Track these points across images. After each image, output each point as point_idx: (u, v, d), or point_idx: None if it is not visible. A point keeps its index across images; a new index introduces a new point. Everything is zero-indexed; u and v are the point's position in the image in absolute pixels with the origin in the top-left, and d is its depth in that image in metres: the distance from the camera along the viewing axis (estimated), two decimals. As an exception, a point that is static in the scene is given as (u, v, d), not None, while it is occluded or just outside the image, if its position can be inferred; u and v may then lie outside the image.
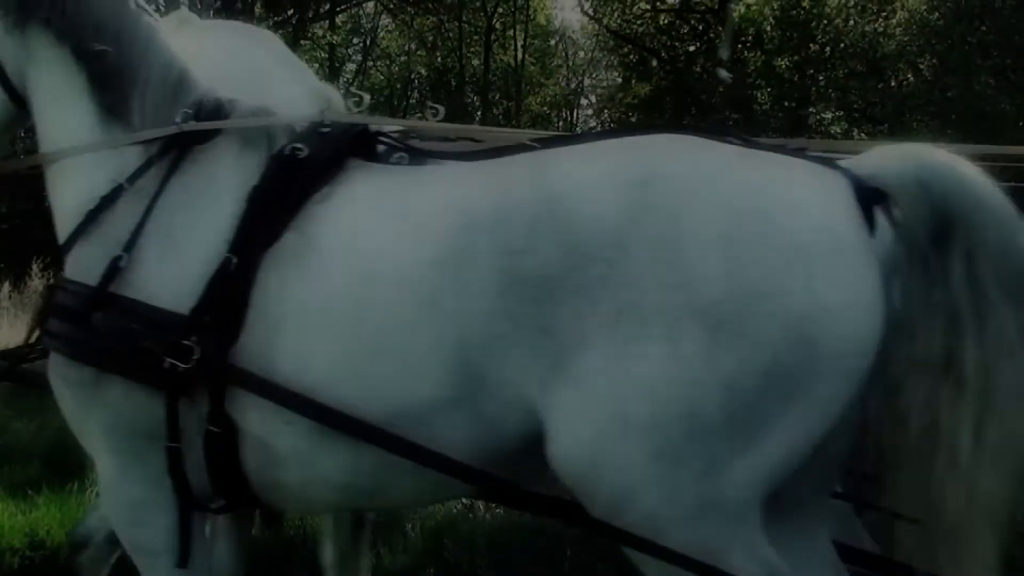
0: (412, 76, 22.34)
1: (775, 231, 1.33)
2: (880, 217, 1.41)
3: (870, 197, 1.40)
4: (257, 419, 1.55)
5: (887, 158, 1.45)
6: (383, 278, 1.49)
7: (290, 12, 18.05)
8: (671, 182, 1.38)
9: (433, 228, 1.48)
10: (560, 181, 1.44)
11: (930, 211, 1.37)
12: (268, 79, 1.92)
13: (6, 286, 8.53)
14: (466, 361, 1.43)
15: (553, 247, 1.39)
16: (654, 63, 17.33)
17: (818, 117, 13.88)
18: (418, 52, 21.93)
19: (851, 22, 13.62)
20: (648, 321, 1.32)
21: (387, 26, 22.25)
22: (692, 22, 16.56)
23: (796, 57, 13.71)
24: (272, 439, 1.56)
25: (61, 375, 1.63)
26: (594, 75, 22.80)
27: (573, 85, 22.70)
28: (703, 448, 1.32)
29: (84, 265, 1.62)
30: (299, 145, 1.67)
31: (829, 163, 1.46)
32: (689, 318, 1.31)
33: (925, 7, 11.18)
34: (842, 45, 13.25)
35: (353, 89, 21.74)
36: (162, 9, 18.21)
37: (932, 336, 1.36)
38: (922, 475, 1.37)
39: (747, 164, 1.43)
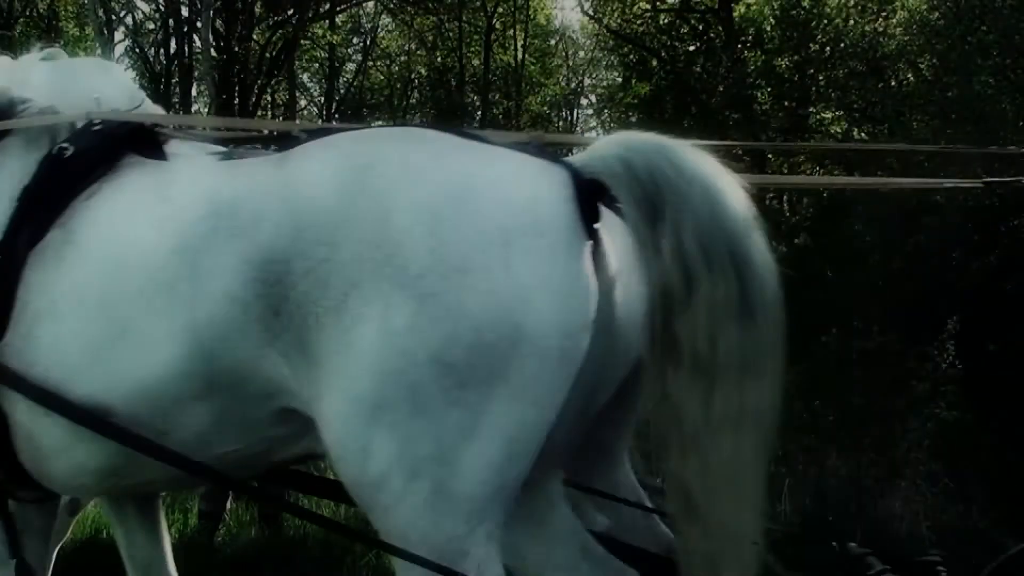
0: (412, 76, 22.31)
1: (478, 213, 1.39)
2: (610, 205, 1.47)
3: (592, 187, 1.46)
4: (23, 411, 1.62)
5: (597, 147, 1.53)
6: (130, 267, 1.55)
7: (290, 12, 18.01)
8: (386, 167, 1.45)
9: (181, 217, 1.54)
10: (291, 169, 1.51)
11: (640, 190, 1.43)
12: (89, 95, 1.98)
13: None
14: (202, 343, 1.48)
15: (281, 231, 1.44)
16: (654, 63, 17.30)
17: (818, 117, 13.85)
18: (418, 52, 21.90)
19: (851, 22, 13.61)
20: (367, 299, 1.37)
21: (387, 26, 22.21)
22: (692, 22, 16.54)
23: (796, 57, 13.69)
24: (36, 430, 1.63)
25: None
26: (594, 75, 22.78)
27: (573, 85, 22.68)
28: (429, 426, 1.36)
29: None
30: (65, 144, 1.74)
31: (552, 156, 1.54)
32: (398, 293, 1.36)
33: (925, 7, 11.17)
34: (842, 45, 13.23)
35: (353, 89, 21.76)
36: (161, 9, 17.92)
37: (654, 313, 1.41)
38: (668, 455, 1.44)
39: (462, 154, 1.51)
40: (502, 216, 1.40)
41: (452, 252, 1.37)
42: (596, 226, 1.47)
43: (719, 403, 1.39)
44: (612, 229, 1.53)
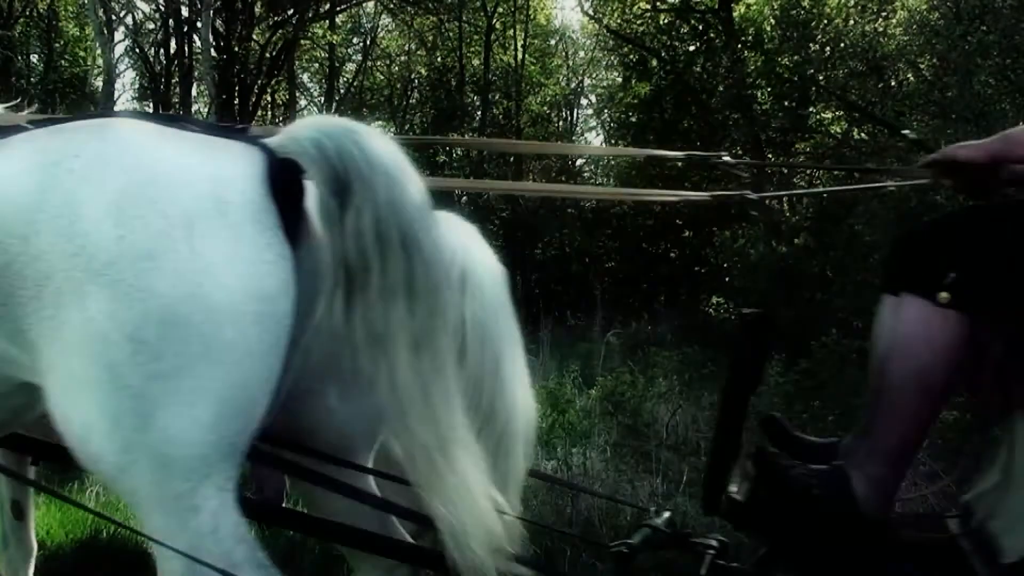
0: (412, 76, 22.32)
1: (163, 200, 1.50)
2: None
3: (289, 165, 1.57)
4: None
5: (293, 128, 1.64)
6: None
7: (290, 12, 18.03)
8: (77, 160, 1.54)
9: None
10: None
11: (330, 170, 1.55)
12: None
13: None
14: None
15: None
16: (654, 63, 17.30)
17: (818, 117, 13.86)
18: (418, 52, 21.91)
19: (851, 22, 13.61)
20: (61, 289, 1.47)
21: (387, 26, 22.24)
22: (692, 22, 16.54)
23: (796, 57, 13.69)
24: None
25: None
26: (594, 75, 22.79)
27: (573, 85, 22.68)
28: (131, 400, 1.46)
29: None
30: None
31: (248, 139, 1.65)
32: (91, 282, 1.46)
33: (925, 7, 11.17)
34: (842, 45, 13.24)
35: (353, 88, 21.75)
36: (161, 9, 17.95)
37: (335, 288, 1.55)
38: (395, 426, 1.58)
39: (151, 142, 1.60)
40: (187, 200, 1.51)
41: (139, 239, 1.47)
42: (301, 201, 1.60)
43: (401, 379, 1.54)
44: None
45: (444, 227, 2.04)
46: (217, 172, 1.55)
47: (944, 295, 1.74)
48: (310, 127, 1.61)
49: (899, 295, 1.84)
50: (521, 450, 2.12)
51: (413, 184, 1.59)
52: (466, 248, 2.09)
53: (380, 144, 1.60)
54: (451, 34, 20.24)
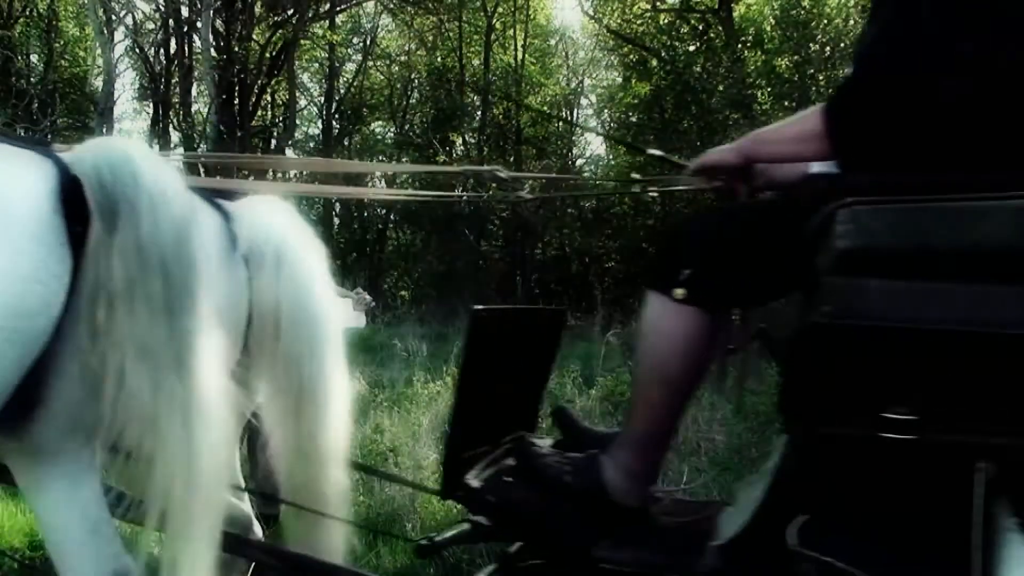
0: (412, 76, 22.34)
1: None
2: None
3: (78, 183, 1.64)
4: None
5: (81, 148, 1.71)
6: None
7: (290, 12, 18.04)
8: None
9: None
10: None
11: (102, 195, 1.62)
12: None
13: None
14: None
15: None
16: (654, 63, 17.32)
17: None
18: (418, 52, 21.93)
19: (851, 22, 13.62)
20: None
21: (387, 26, 22.25)
22: (692, 22, 16.55)
23: (796, 57, 13.70)
24: None
25: None
26: (594, 75, 22.80)
27: (573, 85, 22.70)
28: None
29: None
30: None
31: (48, 154, 1.71)
32: None
33: (925, 7, 11.18)
34: (842, 45, 13.25)
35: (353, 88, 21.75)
36: (161, 9, 17.88)
37: (95, 307, 1.62)
38: (130, 439, 1.65)
39: None
40: None
41: None
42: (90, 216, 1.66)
43: (166, 389, 1.62)
44: None
45: (265, 210, 2.14)
46: (5, 186, 1.62)
47: (679, 291, 1.78)
48: (93, 152, 1.68)
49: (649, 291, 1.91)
50: (340, 428, 2.16)
51: (176, 206, 1.67)
52: (281, 229, 2.13)
53: (152, 169, 1.67)
54: (451, 34, 20.26)
